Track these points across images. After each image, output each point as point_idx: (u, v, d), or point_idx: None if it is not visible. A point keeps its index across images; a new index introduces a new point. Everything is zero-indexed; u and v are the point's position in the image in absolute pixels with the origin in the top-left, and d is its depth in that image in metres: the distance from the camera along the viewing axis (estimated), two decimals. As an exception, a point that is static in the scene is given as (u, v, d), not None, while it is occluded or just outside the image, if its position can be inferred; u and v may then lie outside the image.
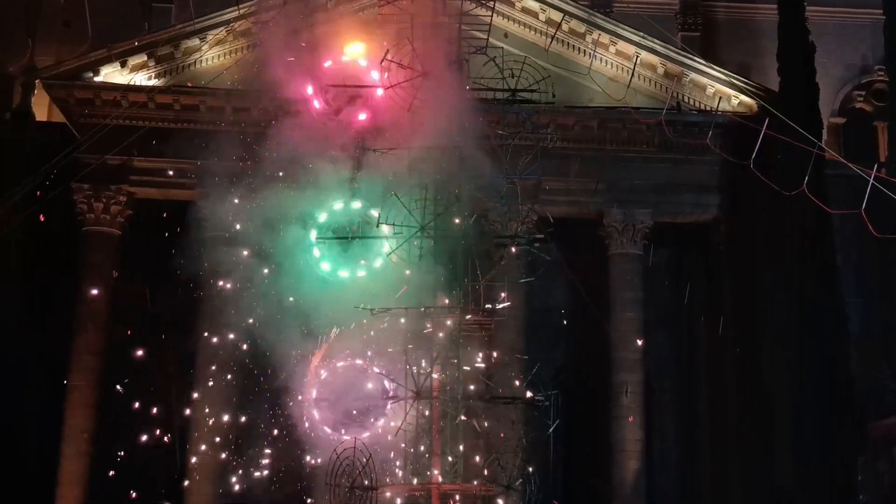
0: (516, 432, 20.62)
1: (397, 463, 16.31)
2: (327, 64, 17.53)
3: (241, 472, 23.64)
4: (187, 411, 24.68)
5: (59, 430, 24.83)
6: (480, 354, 17.02)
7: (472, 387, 16.54)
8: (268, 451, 21.91)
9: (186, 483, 24.83)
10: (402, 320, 15.84)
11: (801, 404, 24.23)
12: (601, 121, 26.94)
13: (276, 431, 19.91)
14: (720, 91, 27.62)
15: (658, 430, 28.38)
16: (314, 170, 18.38)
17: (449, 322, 15.87)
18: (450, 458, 15.82)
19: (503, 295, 17.39)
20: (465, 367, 16.29)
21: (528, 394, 17.64)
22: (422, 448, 15.83)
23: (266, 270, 19.13)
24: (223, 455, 24.73)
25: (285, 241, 18.71)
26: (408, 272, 16.18)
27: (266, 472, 22.41)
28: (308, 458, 17.68)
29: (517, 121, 18.05)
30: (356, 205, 17.07)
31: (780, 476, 24.29)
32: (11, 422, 24.04)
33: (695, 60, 27.79)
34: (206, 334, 24.51)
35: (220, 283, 24.17)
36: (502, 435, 21.32)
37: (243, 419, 23.04)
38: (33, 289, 25.83)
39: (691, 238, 28.48)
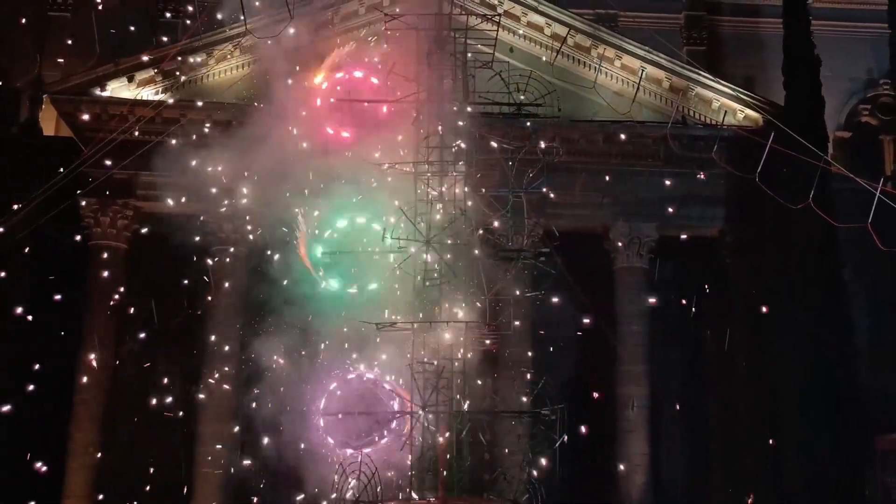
0: (522, 446, 20.58)
1: (403, 477, 16.27)
2: (339, 75, 17.58)
3: (247, 483, 23.64)
4: (193, 421, 24.72)
5: (65, 444, 24.82)
6: (486, 368, 17.00)
7: (478, 401, 16.53)
8: (274, 463, 21.90)
9: (193, 496, 24.84)
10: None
11: (808, 416, 24.19)
12: (607, 135, 26.95)
13: (282, 445, 19.85)
14: (726, 105, 27.67)
15: (665, 444, 28.28)
16: (319, 183, 18.45)
17: (455, 336, 15.84)
18: (456, 473, 15.78)
19: (509, 309, 17.36)
20: (470, 381, 16.27)
21: (535, 408, 17.61)
22: (428, 463, 15.80)
23: (271, 284, 19.16)
24: (229, 468, 24.75)
25: (291, 255, 18.74)
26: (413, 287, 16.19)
27: (272, 485, 22.41)
28: (314, 471, 17.64)
29: (523, 135, 18.09)
30: (361, 220, 17.08)
31: (788, 487, 24.24)
32: (18, 435, 24.02)
33: (700, 74, 27.83)
34: (211, 347, 24.57)
35: (225, 296, 24.28)
36: (508, 450, 21.33)
37: (249, 432, 23.01)
38: (40, 302, 25.88)
39: (697, 251, 28.44)
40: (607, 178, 26.75)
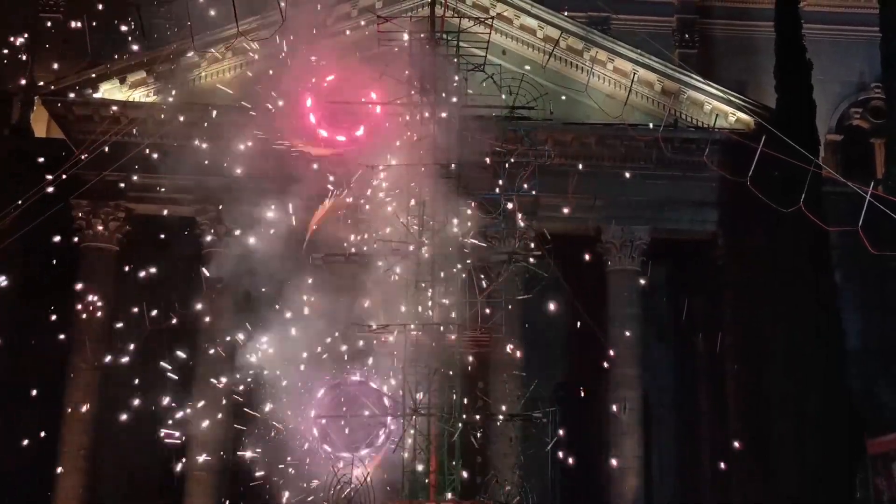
0: (514, 449, 20.59)
1: (395, 480, 16.26)
2: (329, 78, 17.52)
3: (239, 486, 23.56)
4: (185, 424, 24.63)
5: (56, 446, 24.74)
6: (478, 371, 17.00)
7: (470, 403, 16.51)
8: (266, 466, 21.85)
9: (186, 498, 24.78)
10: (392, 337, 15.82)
11: (800, 420, 24.24)
12: (599, 137, 26.99)
13: (275, 448, 19.82)
14: (717, 108, 27.71)
15: (657, 446, 28.33)
16: (311, 185, 18.44)
17: (447, 339, 15.83)
18: (447, 475, 15.77)
19: (501, 312, 17.35)
20: (462, 384, 16.26)
21: (526, 411, 17.63)
22: (419, 465, 15.78)
23: (264, 287, 19.13)
24: (222, 470, 24.71)
25: (284, 257, 18.72)
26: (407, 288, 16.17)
27: (264, 487, 22.34)
28: (306, 474, 17.61)
29: (515, 137, 18.08)
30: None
31: (781, 491, 24.27)
32: (8, 438, 23.96)
33: (692, 77, 27.88)
34: (203, 350, 24.51)
35: (218, 297, 24.23)
36: (500, 452, 21.32)
37: (242, 434, 22.98)
38: (32, 304, 25.82)
39: (690, 254, 28.50)
40: (600, 180, 26.81)
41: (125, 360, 25.16)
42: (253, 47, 23.99)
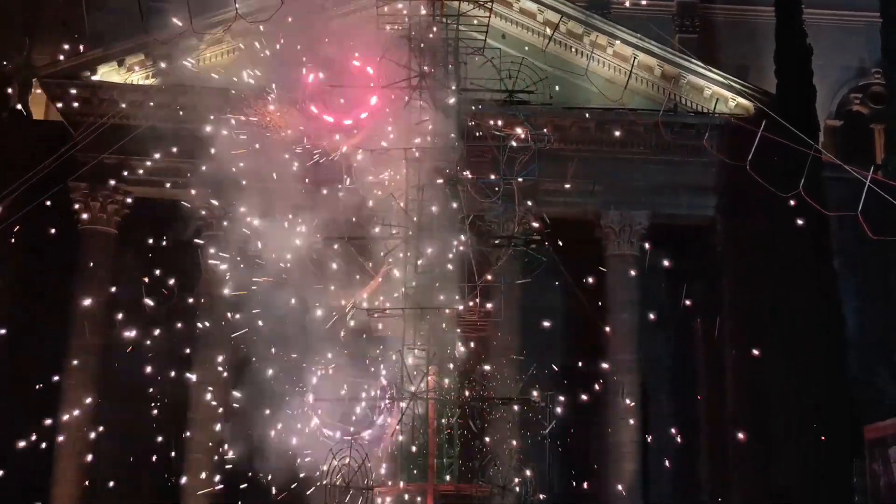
0: (512, 433, 20.64)
1: (393, 464, 16.28)
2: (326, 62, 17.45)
3: (236, 475, 23.61)
4: (185, 401, 24.71)
5: (53, 431, 24.77)
6: (477, 356, 17.00)
7: (467, 387, 16.54)
8: (264, 448, 21.90)
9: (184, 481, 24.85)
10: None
11: (798, 406, 24.28)
12: (598, 122, 26.94)
13: (273, 430, 19.88)
14: (717, 93, 27.67)
15: (655, 432, 28.36)
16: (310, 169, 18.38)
17: (445, 323, 15.83)
18: (445, 459, 15.80)
19: (500, 296, 17.35)
20: (461, 368, 16.28)
21: (525, 395, 17.64)
22: (417, 449, 15.80)
23: (261, 270, 19.10)
24: (221, 453, 24.74)
25: (283, 241, 18.69)
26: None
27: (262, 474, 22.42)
28: (304, 458, 17.64)
29: (514, 122, 18.02)
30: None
31: (779, 478, 24.34)
32: (4, 424, 23.98)
33: (692, 62, 27.84)
34: (202, 333, 24.52)
35: (217, 280, 24.20)
36: (498, 436, 21.34)
37: (240, 417, 23.01)
38: (30, 288, 25.81)
39: (689, 239, 28.48)
40: (599, 165, 26.78)
41: (124, 343, 25.22)
42: (252, 29, 23.86)
